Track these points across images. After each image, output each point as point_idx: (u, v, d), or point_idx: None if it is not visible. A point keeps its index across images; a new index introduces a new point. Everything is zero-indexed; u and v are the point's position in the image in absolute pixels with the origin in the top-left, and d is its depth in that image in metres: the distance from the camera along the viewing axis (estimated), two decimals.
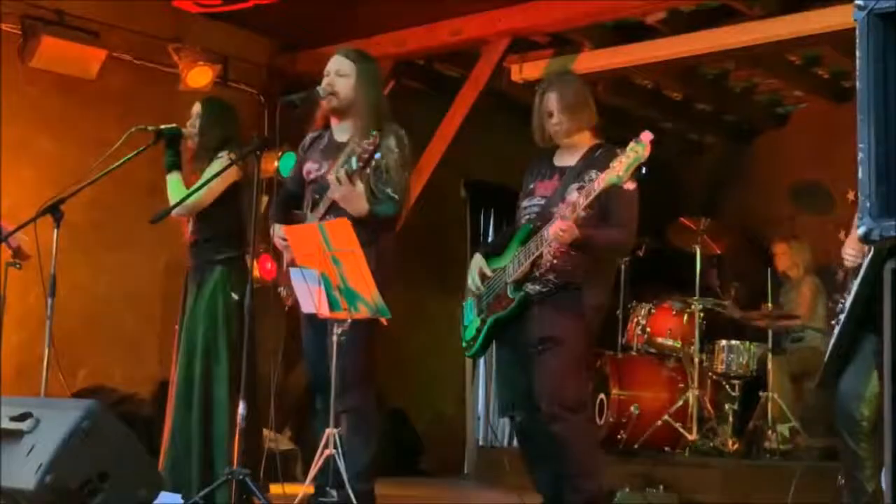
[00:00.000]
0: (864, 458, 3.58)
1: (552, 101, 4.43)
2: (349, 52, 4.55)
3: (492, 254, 4.57)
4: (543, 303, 4.30)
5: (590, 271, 4.33)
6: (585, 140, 4.45)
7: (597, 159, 4.24)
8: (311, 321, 4.38)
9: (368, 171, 4.19)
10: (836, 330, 3.67)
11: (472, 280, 4.55)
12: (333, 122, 4.57)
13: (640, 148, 3.93)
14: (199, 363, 4.66)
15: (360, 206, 4.23)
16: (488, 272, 4.48)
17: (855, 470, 3.63)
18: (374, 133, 4.18)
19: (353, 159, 4.15)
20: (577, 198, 4.11)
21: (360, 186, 4.22)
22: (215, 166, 4.66)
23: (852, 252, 3.67)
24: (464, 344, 4.64)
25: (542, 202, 4.41)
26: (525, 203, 4.52)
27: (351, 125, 4.47)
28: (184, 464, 4.58)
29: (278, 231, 4.42)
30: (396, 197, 4.33)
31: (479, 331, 4.47)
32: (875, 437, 3.54)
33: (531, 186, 4.52)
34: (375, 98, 4.45)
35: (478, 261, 4.57)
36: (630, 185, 3.99)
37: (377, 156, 4.24)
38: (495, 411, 8.91)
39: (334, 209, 4.33)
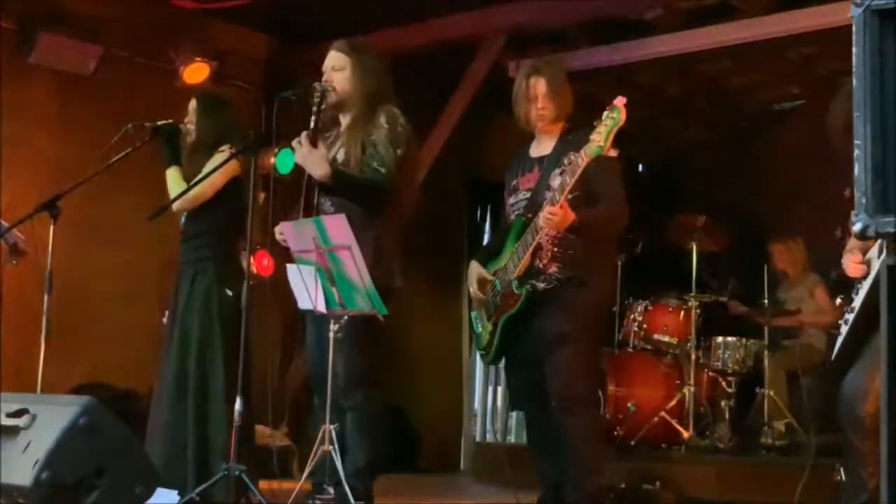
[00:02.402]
0: (866, 455, 3.59)
1: (541, 85, 4.43)
2: (343, 46, 4.53)
3: (488, 258, 4.57)
4: (550, 299, 4.31)
5: (592, 264, 4.34)
6: (559, 128, 4.47)
7: (571, 143, 4.25)
8: (314, 317, 4.38)
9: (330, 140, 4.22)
10: (846, 328, 3.67)
11: (473, 289, 4.56)
12: (341, 117, 4.58)
13: (615, 114, 3.95)
14: (194, 360, 4.66)
15: (322, 168, 4.21)
16: (488, 276, 4.49)
17: (857, 466, 3.64)
18: (321, 84, 4.25)
19: (311, 120, 4.20)
20: (562, 179, 4.12)
21: (321, 150, 4.25)
22: (216, 160, 4.66)
23: (856, 263, 3.67)
24: (481, 352, 4.66)
25: (528, 195, 4.43)
26: (511, 200, 4.54)
27: (348, 116, 4.48)
28: (178, 460, 4.57)
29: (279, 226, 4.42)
30: (383, 170, 4.30)
31: (492, 335, 4.47)
32: (879, 433, 3.55)
33: (514, 183, 4.55)
34: (369, 86, 4.43)
35: (475, 268, 4.58)
36: (613, 153, 4.00)
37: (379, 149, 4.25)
38: (493, 407, 8.94)
39: (324, 192, 4.34)
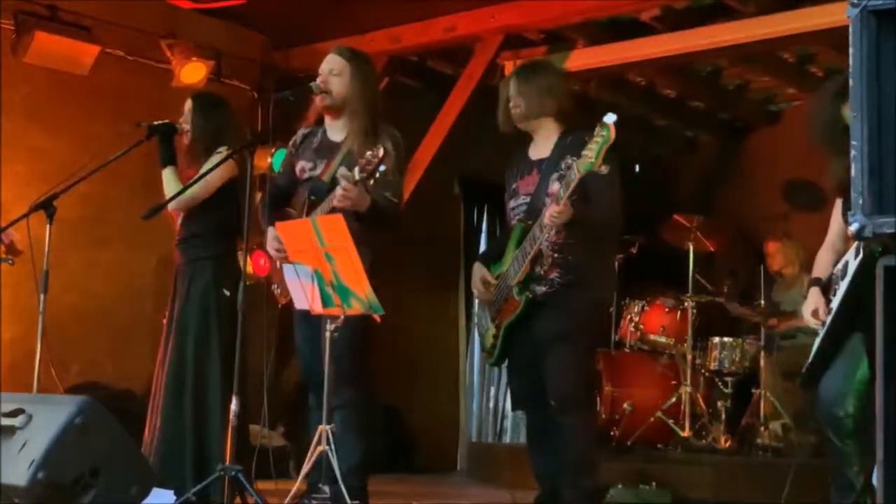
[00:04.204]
0: (850, 455, 3.61)
1: (512, 85, 4.51)
2: (343, 51, 4.54)
3: (491, 260, 4.60)
4: (550, 302, 4.35)
5: (591, 268, 4.36)
6: (551, 129, 4.50)
7: (569, 146, 4.29)
8: (305, 317, 4.38)
9: (371, 182, 4.16)
10: (823, 329, 3.68)
11: (477, 290, 4.59)
12: (327, 119, 4.57)
13: (605, 131, 3.99)
14: (191, 360, 4.66)
15: (366, 202, 4.23)
16: (491, 279, 4.53)
17: (842, 467, 3.65)
18: (380, 147, 4.11)
19: (356, 170, 4.10)
20: (558, 189, 4.15)
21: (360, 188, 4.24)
22: (213, 161, 4.65)
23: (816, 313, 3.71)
24: (484, 352, 4.72)
25: (528, 199, 4.46)
26: (512, 203, 4.56)
27: (345, 124, 4.46)
28: (175, 461, 4.57)
29: (271, 234, 4.40)
30: (395, 200, 4.36)
31: (496, 338, 4.53)
32: (860, 433, 3.57)
33: (514, 186, 4.57)
34: (370, 97, 4.44)
35: (478, 269, 4.61)
36: (604, 169, 4.04)
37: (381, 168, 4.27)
38: (490, 407, 8.94)
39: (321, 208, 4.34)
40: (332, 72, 4.47)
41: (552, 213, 4.13)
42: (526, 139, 4.63)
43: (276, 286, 4.63)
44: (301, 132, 4.68)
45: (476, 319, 4.79)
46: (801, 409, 6.59)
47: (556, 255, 4.33)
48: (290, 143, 4.70)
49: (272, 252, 4.46)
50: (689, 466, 6.18)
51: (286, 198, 4.60)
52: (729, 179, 9.20)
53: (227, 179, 4.75)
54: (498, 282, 4.49)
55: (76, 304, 6.47)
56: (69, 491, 3.29)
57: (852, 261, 3.53)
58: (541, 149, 4.52)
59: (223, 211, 4.77)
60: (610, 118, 4.01)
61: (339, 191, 4.16)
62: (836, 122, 3.62)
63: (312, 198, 4.41)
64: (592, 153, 3.99)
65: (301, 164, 4.56)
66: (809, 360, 3.74)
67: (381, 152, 4.07)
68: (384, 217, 4.34)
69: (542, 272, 4.34)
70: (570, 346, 4.31)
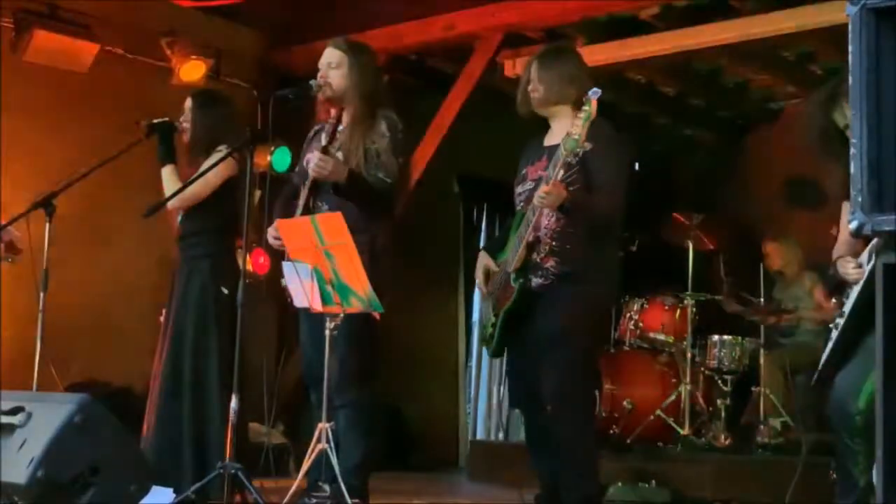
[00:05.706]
0: (857, 452, 3.60)
1: (533, 69, 4.47)
2: (340, 43, 4.55)
3: (497, 249, 4.58)
4: (546, 296, 4.27)
5: (590, 260, 4.30)
6: (568, 117, 4.43)
7: None
8: (308, 315, 4.38)
9: (334, 143, 4.26)
10: (837, 331, 3.68)
11: (479, 279, 4.57)
12: (334, 113, 4.59)
13: (587, 107, 3.97)
14: (189, 358, 4.66)
15: (342, 171, 4.26)
16: (494, 267, 4.49)
17: (848, 463, 3.65)
18: (316, 83, 4.28)
19: (322, 137, 4.25)
20: (547, 171, 4.14)
21: (337, 156, 4.30)
22: (212, 159, 4.65)
23: (853, 269, 3.66)
24: (483, 342, 4.68)
25: (533, 185, 4.41)
26: (519, 189, 4.52)
27: (346, 114, 4.48)
28: (174, 458, 4.57)
29: (272, 227, 4.42)
30: (389, 180, 4.35)
31: (494, 327, 4.46)
32: (869, 431, 3.56)
33: (523, 172, 4.53)
34: (367, 86, 4.45)
35: (482, 258, 4.59)
36: (588, 145, 4.02)
37: (374, 146, 4.29)
38: (491, 405, 8.94)
39: (320, 195, 4.36)
40: (331, 65, 4.49)
41: (540, 193, 4.09)
42: (524, 134, 4.61)
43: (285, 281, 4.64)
44: (314, 129, 4.72)
45: (479, 312, 4.76)
46: (801, 406, 6.59)
47: (553, 242, 4.27)
48: (305, 140, 4.74)
49: (272, 241, 4.46)
50: (689, 464, 6.18)
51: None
52: (728, 177, 9.20)
53: (227, 178, 4.75)
54: (499, 269, 4.47)
55: (76, 302, 6.46)
56: (68, 489, 3.29)
57: (866, 264, 3.52)
58: (555, 135, 4.45)
59: (222, 209, 4.77)
60: (594, 94, 3.99)
61: (311, 162, 4.24)
62: (829, 128, 3.62)
63: (306, 182, 4.44)
64: (576, 130, 3.97)
65: (308, 157, 4.60)
66: (824, 359, 3.74)
67: (336, 114, 4.23)
68: (375, 196, 4.34)
69: (538, 259, 4.31)
70: (566, 348, 4.22)
